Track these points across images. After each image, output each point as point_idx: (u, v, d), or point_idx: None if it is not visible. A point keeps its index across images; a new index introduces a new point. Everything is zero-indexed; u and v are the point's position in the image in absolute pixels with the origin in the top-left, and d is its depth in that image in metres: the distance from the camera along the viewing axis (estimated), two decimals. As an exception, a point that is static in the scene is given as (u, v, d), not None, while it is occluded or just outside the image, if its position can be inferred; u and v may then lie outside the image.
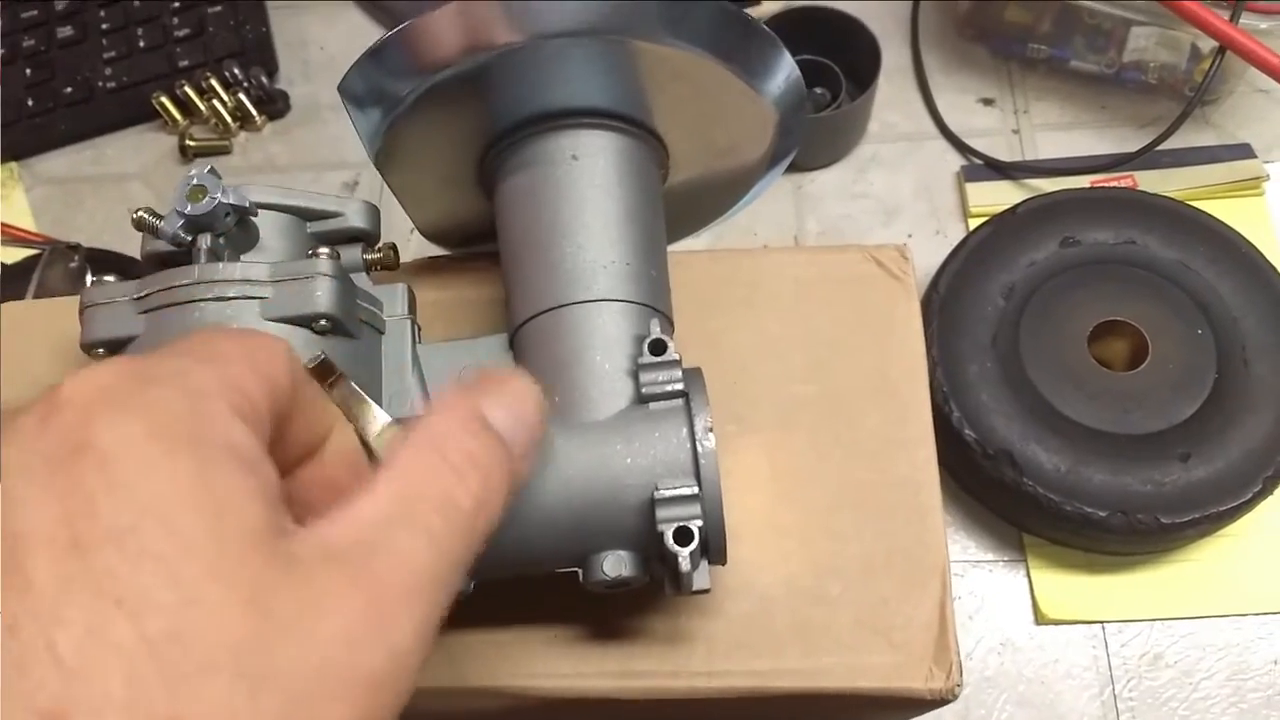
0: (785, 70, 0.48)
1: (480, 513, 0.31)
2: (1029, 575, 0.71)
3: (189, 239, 0.43)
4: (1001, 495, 0.69)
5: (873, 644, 0.46)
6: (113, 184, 0.95)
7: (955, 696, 0.45)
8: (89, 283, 0.81)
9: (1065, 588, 0.71)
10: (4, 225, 0.92)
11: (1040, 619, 0.70)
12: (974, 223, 0.81)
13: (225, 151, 0.95)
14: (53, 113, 0.97)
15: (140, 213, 0.43)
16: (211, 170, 0.43)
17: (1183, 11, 0.72)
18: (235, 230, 0.43)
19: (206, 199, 0.42)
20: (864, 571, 0.48)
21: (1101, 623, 0.70)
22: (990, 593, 0.72)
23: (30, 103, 0.98)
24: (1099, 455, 0.67)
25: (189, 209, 0.42)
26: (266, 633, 0.25)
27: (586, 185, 0.47)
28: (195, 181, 0.42)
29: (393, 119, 0.46)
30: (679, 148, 0.51)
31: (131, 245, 0.88)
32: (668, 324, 0.47)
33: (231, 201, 0.42)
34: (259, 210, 0.45)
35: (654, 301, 0.46)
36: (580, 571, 0.43)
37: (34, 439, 0.26)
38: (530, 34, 0.43)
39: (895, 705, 0.47)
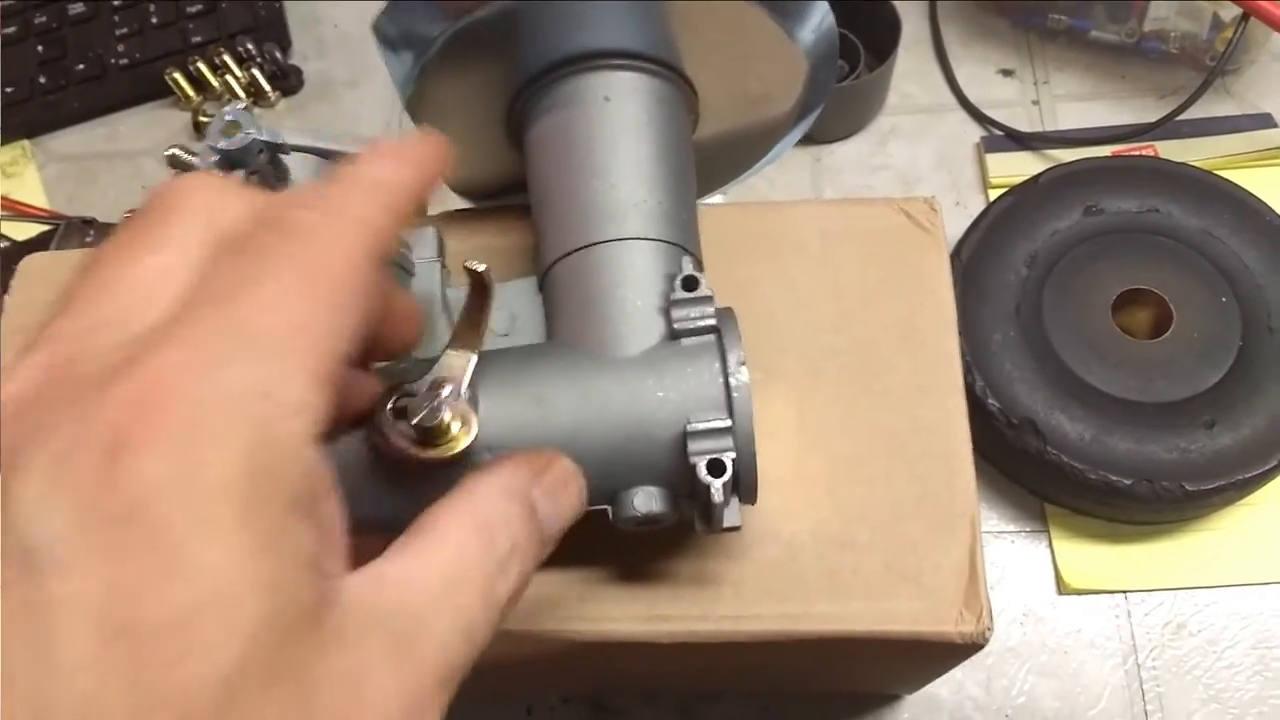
0: (820, 14, 0.48)
1: (511, 604, 0.31)
2: (1051, 545, 0.71)
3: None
4: (1025, 464, 0.69)
5: (902, 589, 0.46)
6: (126, 161, 0.95)
7: (986, 640, 0.45)
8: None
9: (1088, 557, 0.70)
10: (17, 203, 0.92)
11: (1063, 589, 0.70)
12: (994, 194, 0.81)
13: (239, 127, 0.95)
14: (65, 90, 0.97)
15: (174, 149, 0.43)
16: (246, 108, 0.42)
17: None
18: (268, 169, 0.43)
19: (241, 134, 0.42)
20: (893, 518, 0.47)
21: (1124, 592, 0.70)
22: (1012, 563, 0.71)
23: (42, 80, 0.97)
24: (1123, 423, 0.67)
25: (223, 144, 0.41)
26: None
27: (619, 126, 0.46)
28: (229, 118, 0.42)
29: (424, 62, 0.46)
30: (709, 94, 0.50)
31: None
32: (698, 265, 0.46)
33: (265, 138, 0.42)
34: (290, 151, 0.45)
35: (685, 242, 0.46)
36: (610, 510, 0.42)
37: (70, 465, 0.23)
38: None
39: (926, 650, 0.46)
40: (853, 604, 0.45)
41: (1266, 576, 0.69)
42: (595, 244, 0.44)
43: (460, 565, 0.30)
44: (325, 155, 0.47)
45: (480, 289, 0.39)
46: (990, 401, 0.68)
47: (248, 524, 0.23)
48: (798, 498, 0.48)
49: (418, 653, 0.27)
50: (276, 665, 0.23)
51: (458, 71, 0.47)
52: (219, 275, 0.26)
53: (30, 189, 0.95)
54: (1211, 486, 0.65)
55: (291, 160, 0.45)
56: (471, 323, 0.39)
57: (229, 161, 0.42)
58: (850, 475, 0.48)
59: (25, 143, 0.97)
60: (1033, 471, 0.70)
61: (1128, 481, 0.65)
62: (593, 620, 0.46)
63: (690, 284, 0.42)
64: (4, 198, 0.93)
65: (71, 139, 0.98)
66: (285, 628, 0.24)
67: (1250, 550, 0.69)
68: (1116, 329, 0.70)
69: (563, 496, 0.35)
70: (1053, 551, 0.71)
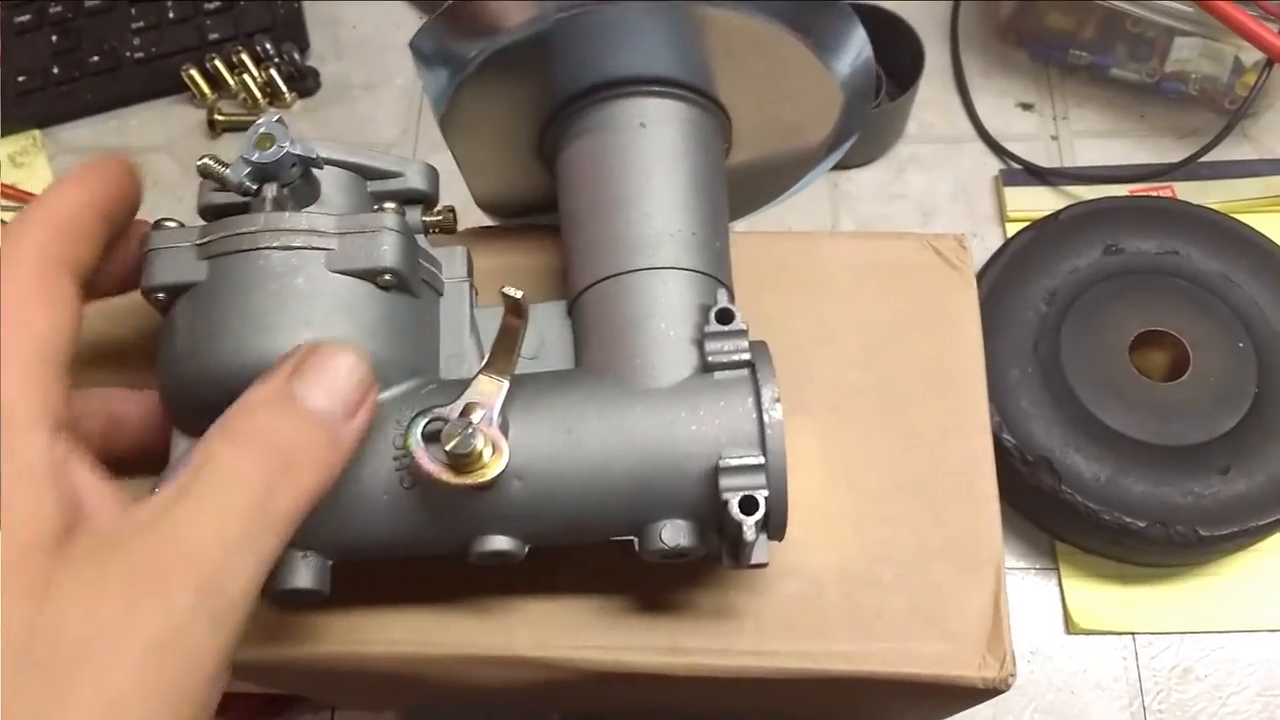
0: (858, 47, 0.48)
1: (279, 481, 0.33)
2: (1061, 584, 0.71)
3: (254, 188, 0.42)
4: (1039, 502, 0.69)
5: (925, 631, 0.45)
6: (138, 156, 0.91)
7: (1008, 686, 0.45)
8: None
9: (1097, 598, 0.70)
10: (26, 193, 0.91)
11: (1071, 628, 0.69)
12: (1011, 227, 0.81)
13: (254, 127, 0.94)
14: (78, 81, 0.96)
15: (206, 159, 0.42)
16: (280, 120, 0.42)
17: (1233, 23, 0.72)
18: (299, 182, 0.42)
19: (274, 147, 0.41)
20: (917, 558, 0.47)
21: (1132, 634, 0.69)
22: (1021, 600, 0.71)
23: (55, 70, 0.96)
24: (1139, 465, 0.67)
25: (256, 156, 0.41)
26: (42, 615, 0.29)
27: (654, 153, 0.46)
28: (263, 130, 0.41)
29: (460, 81, 0.45)
30: (743, 123, 0.50)
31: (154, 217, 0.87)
32: (731, 296, 0.46)
33: (298, 152, 0.41)
34: (323, 165, 0.44)
35: (718, 273, 0.45)
36: (636, 540, 0.42)
37: None
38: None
39: (946, 693, 0.46)
40: (875, 644, 0.45)
41: (1275, 624, 0.69)
42: (628, 272, 0.44)
43: (191, 467, 0.33)
44: (358, 170, 0.46)
45: (515, 315, 0.38)
46: (1006, 438, 0.67)
47: None
48: (822, 533, 0.47)
49: (146, 546, 0.31)
50: (12, 578, 0.29)
51: (492, 91, 0.46)
52: None
53: (39, 179, 0.94)
54: (1225, 532, 0.65)
55: (323, 174, 0.45)
56: (505, 348, 0.39)
57: (261, 175, 0.41)
58: (875, 513, 0.48)
59: (36, 132, 0.96)
60: (1046, 510, 0.69)
61: (1142, 524, 0.65)
62: (611, 650, 0.46)
63: (725, 316, 0.42)
64: (12, 187, 0.92)
65: (82, 131, 0.97)
66: (21, 552, 0.29)
67: (1260, 597, 0.69)
68: (1134, 370, 0.70)
69: (330, 373, 0.36)
70: (1062, 590, 0.70)
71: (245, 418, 0.35)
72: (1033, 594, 0.71)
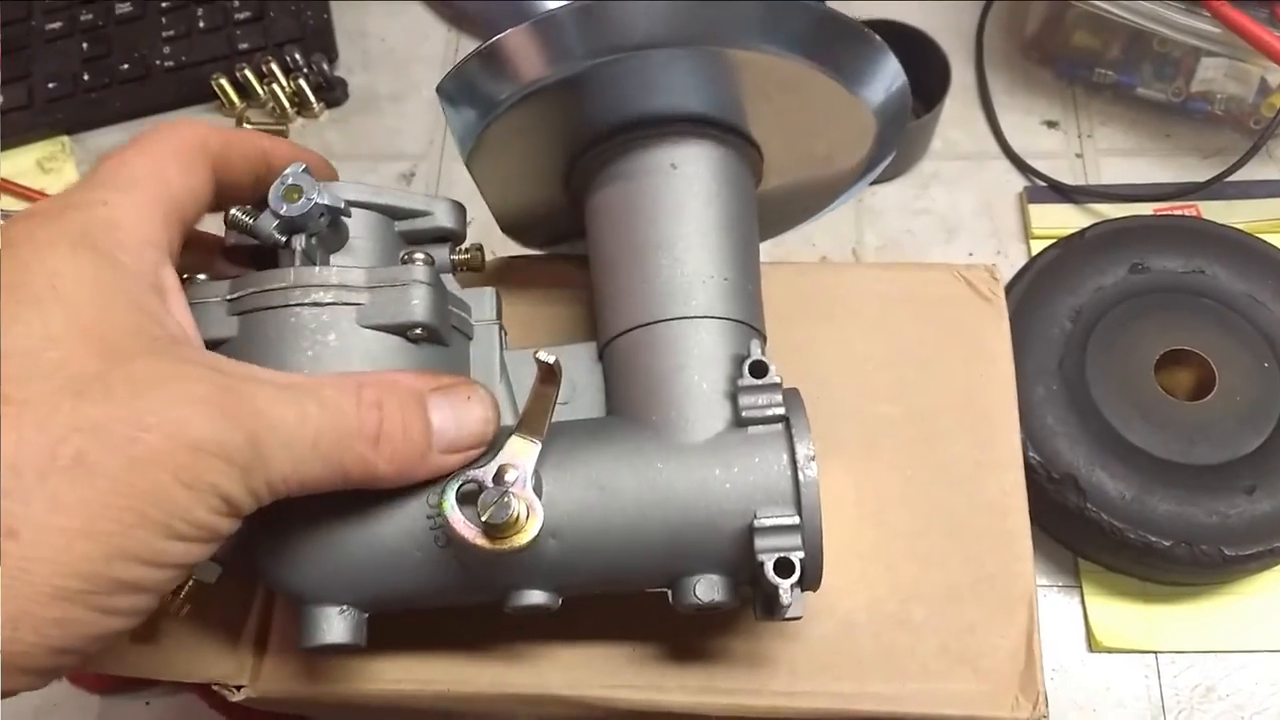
0: (889, 76, 0.48)
1: (364, 438, 0.36)
2: (1083, 602, 0.71)
3: (283, 239, 0.42)
4: (1063, 520, 0.69)
5: (958, 671, 0.46)
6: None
7: (1040, 726, 0.45)
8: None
9: (1120, 616, 0.70)
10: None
11: (1094, 646, 0.70)
12: (1035, 244, 0.81)
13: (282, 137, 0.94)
14: (108, 88, 0.96)
15: (233, 212, 0.42)
16: (306, 170, 0.42)
17: (1261, 45, 0.72)
18: (328, 232, 0.43)
19: (302, 199, 0.41)
20: (949, 597, 0.47)
21: (1155, 653, 0.70)
22: (1044, 618, 0.70)
23: (86, 77, 0.97)
24: (1164, 484, 0.67)
25: (284, 210, 0.41)
26: (111, 372, 0.31)
27: (686, 196, 0.46)
28: (290, 181, 0.41)
29: (488, 122, 0.45)
30: (774, 154, 0.50)
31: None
32: (764, 343, 0.46)
33: (326, 203, 0.41)
34: (351, 214, 0.44)
35: (751, 319, 0.46)
36: (670, 593, 0.42)
37: None
38: (633, 44, 0.42)
39: (978, 733, 0.47)
40: (908, 685, 0.46)
41: (1298, 644, 0.69)
42: (661, 321, 0.44)
43: (311, 381, 0.36)
44: (385, 211, 0.46)
45: (549, 379, 0.39)
46: (1031, 455, 0.68)
47: (86, 252, 0.34)
48: (854, 573, 0.48)
49: (236, 379, 0.34)
50: (96, 335, 0.32)
51: (521, 130, 0.46)
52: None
53: (67, 184, 0.94)
54: (1250, 552, 0.65)
55: (350, 218, 0.45)
56: (539, 410, 0.40)
57: (289, 226, 0.42)
58: (907, 551, 0.48)
59: (65, 139, 0.97)
60: (1071, 527, 0.69)
61: (1167, 543, 0.65)
62: (645, 690, 0.46)
63: (759, 370, 0.42)
64: (41, 193, 0.93)
65: (112, 138, 0.97)
66: (110, 317, 0.33)
67: (1282, 617, 0.69)
68: (1159, 389, 0.70)
69: (463, 408, 0.40)
70: (1085, 608, 0.71)
71: (383, 379, 0.38)
72: (1056, 611, 0.71)
